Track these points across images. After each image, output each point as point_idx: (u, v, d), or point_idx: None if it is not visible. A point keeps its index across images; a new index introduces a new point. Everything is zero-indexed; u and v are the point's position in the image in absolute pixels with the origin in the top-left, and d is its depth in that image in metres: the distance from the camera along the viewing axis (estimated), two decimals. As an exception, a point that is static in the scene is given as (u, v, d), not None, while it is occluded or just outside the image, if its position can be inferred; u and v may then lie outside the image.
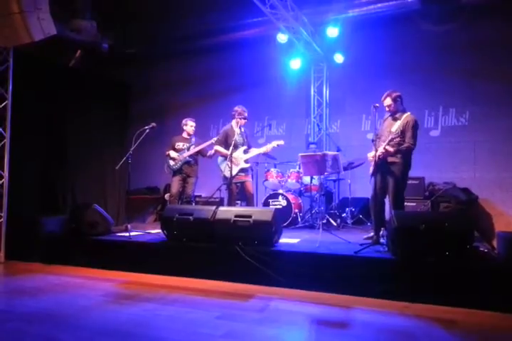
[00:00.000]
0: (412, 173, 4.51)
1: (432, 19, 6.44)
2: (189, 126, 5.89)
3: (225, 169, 5.20)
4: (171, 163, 5.76)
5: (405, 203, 4.88)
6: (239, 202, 5.82)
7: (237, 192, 5.41)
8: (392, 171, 4.29)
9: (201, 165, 6.03)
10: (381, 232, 4.33)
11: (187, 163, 5.75)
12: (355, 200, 6.52)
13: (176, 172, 5.76)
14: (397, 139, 4.26)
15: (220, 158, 5.46)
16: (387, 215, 4.39)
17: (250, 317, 3.00)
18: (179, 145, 5.85)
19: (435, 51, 6.72)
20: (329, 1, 6.58)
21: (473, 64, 6.45)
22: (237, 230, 4.10)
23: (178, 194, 5.74)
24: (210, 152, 5.70)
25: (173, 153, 5.76)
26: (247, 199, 5.44)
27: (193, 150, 5.74)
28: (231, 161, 5.03)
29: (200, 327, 2.77)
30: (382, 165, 4.34)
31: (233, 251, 3.98)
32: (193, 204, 5.84)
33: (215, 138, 5.54)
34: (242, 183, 5.34)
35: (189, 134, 5.92)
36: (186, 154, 5.73)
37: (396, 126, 4.33)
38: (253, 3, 5.62)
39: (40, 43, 4.70)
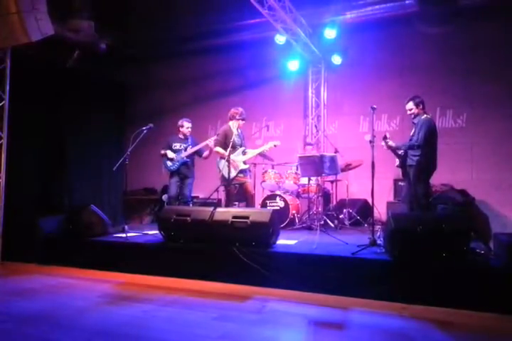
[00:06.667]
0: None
1: (430, 21, 6.46)
2: (185, 127, 5.76)
3: (224, 170, 5.19)
4: (169, 163, 5.66)
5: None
6: (237, 203, 5.81)
7: (236, 193, 5.40)
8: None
9: (199, 166, 6.00)
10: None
11: (184, 163, 5.67)
12: (353, 201, 6.54)
13: (173, 173, 5.68)
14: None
15: (219, 159, 5.44)
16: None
17: (247, 318, 3.00)
18: (176, 145, 5.73)
19: (432, 53, 6.75)
20: (327, 3, 6.61)
21: (471, 65, 6.48)
22: (235, 231, 4.09)
23: (177, 195, 5.68)
24: (206, 153, 5.66)
25: (170, 154, 5.65)
26: (247, 199, 5.43)
27: (191, 150, 5.66)
28: (229, 162, 5.02)
29: (198, 329, 2.77)
30: None
31: (230, 252, 3.97)
32: (191, 205, 5.80)
33: (214, 138, 5.48)
34: (242, 184, 5.33)
35: (185, 135, 5.82)
36: (184, 154, 5.65)
37: (413, 130, 4.63)
38: (251, 5, 5.63)
39: (37, 43, 4.69)
